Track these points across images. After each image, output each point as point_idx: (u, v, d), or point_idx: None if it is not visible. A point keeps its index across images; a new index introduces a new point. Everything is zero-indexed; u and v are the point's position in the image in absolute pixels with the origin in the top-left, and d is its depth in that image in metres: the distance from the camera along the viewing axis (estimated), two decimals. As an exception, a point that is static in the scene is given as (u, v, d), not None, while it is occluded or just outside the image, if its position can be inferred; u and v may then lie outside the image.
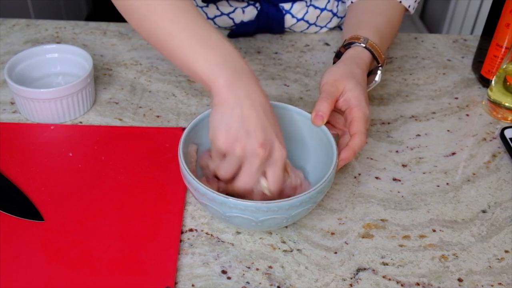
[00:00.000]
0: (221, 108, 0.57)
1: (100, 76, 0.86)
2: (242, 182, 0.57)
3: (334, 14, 0.96)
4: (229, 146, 0.56)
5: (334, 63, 0.74)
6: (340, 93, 0.65)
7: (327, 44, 0.95)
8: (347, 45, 0.72)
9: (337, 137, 0.66)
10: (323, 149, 0.64)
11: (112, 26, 0.98)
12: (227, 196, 0.54)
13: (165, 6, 0.60)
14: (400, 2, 0.79)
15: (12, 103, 0.79)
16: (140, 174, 0.68)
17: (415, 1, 0.81)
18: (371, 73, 0.74)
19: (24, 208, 0.62)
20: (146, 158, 0.70)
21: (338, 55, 0.73)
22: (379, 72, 0.73)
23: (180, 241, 0.61)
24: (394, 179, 0.70)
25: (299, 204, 0.55)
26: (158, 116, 0.78)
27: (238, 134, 0.55)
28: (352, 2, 0.82)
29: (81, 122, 0.76)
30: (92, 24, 0.98)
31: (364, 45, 0.71)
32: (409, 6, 0.80)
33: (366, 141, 0.64)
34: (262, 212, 0.55)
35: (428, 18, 2.45)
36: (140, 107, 0.80)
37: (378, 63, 0.72)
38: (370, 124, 0.72)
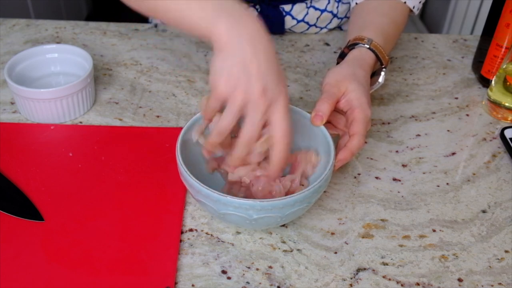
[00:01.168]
0: (223, 54, 0.55)
1: (100, 76, 0.86)
2: (245, 134, 0.56)
3: (334, 15, 0.96)
4: (230, 90, 0.55)
5: (337, 63, 0.74)
6: (342, 94, 0.65)
7: (327, 44, 0.95)
8: (351, 46, 0.72)
9: (337, 137, 0.66)
10: (321, 149, 0.64)
11: (112, 26, 0.98)
12: (221, 193, 0.55)
13: None
14: (405, 3, 0.79)
15: (12, 103, 0.79)
16: (140, 174, 0.68)
17: (419, 2, 0.81)
18: (374, 74, 0.74)
19: (24, 208, 0.62)
20: (146, 158, 0.70)
21: (342, 56, 0.73)
22: (382, 73, 0.73)
23: (180, 241, 0.61)
24: (394, 179, 0.70)
25: (294, 204, 0.55)
26: (158, 116, 0.78)
27: (239, 79, 0.54)
28: (356, 3, 0.82)
29: (81, 122, 0.76)
30: (92, 24, 0.98)
31: (368, 46, 0.70)
32: (413, 7, 0.80)
33: (364, 143, 0.64)
34: (256, 210, 0.55)
35: (428, 18, 2.45)
36: (140, 107, 0.80)
37: (381, 64, 0.72)
38: (371, 124, 0.72)
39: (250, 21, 0.56)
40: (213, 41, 0.56)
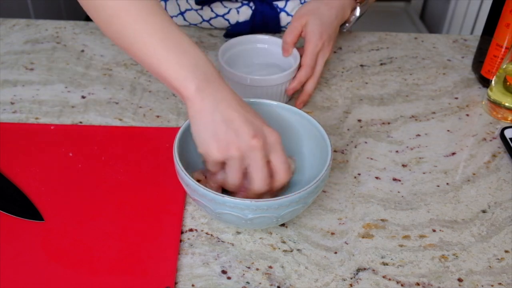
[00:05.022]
0: (200, 118, 0.56)
1: (100, 76, 0.86)
2: (256, 181, 0.57)
3: None
4: (224, 152, 0.55)
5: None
6: (302, 27, 0.77)
7: (327, 44, 0.95)
8: None
9: None
10: (318, 148, 0.64)
11: (112, 26, 0.97)
12: (216, 193, 0.55)
13: (135, 6, 0.58)
14: None
15: (12, 103, 0.79)
16: (140, 174, 0.68)
17: None
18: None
19: (24, 208, 0.62)
20: (146, 158, 0.70)
21: None
22: (358, 7, 0.83)
23: (180, 241, 0.61)
24: (394, 179, 0.70)
25: (289, 204, 0.55)
26: (158, 116, 0.78)
27: (228, 137, 0.55)
28: None
29: (81, 122, 0.76)
30: (92, 24, 0.98)
31: None
32: None
33: (312, 74, 0.77)
34: (251, 210, 0.55)
35: (428, 18, 2.45)
36: (140, 107, 0.80)
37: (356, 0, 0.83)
38: (329, 53, 0.79)
39: (221, 82, 0.58)
40: (186, 101, 0.57)
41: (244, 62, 0.81)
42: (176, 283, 0.56)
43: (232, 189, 0.60)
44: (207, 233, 0.62)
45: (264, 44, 0.82)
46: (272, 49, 0.82)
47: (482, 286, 0.57)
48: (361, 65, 0.91)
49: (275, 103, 0.66)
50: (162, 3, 0.97)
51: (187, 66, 0.56)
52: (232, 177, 0.58)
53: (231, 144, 0.55)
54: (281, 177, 0.58)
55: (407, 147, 0.75)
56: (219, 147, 0.55)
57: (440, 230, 0.63)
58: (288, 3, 0.93)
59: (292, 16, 0.94)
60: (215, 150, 0.56)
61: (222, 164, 0.58)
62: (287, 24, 0.96)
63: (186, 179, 0.57)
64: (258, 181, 0.57)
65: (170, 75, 0.57)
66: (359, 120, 0.79)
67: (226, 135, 0.55)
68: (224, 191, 0.62)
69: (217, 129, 0.55)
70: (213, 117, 0.55)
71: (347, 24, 0.84)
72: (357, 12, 0.83)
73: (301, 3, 0.93)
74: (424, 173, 0.71)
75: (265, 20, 0.94)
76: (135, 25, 0.58)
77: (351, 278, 0.58)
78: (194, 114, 0.56)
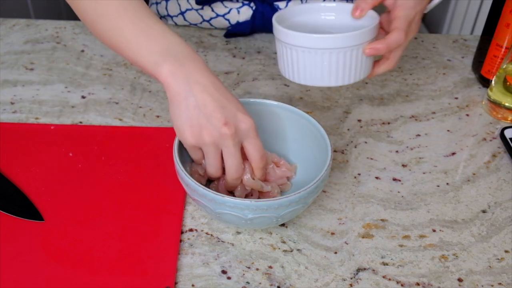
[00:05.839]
0: (176, 102, 0.56)
1: (100, 76, 0.86)
2: (228, 169, 0.57)
3: None
4: (197, 138, 0.56)
5: None
6: None
7: (327, 44, 0.95)
8: None
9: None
10: (318, 148, 0.64)
11: (112, 26, 0.98)
12: (216, 193, 0.55)
13: (116, 5, 0.57)
14: None
15: (12, 103, 0.79)
16: (140, 174, 0.68)
17: None
18: None
19: (24, 208, 0.62)
20: (146, 158, 0.70)
21: None
22: None
23: (180, 241, 0.61)
24: (394, 179, 0.70)
25: (289, 204, 0.55)
26: (158, 116, 0.78)
27: (200, 123, 0.55)
28: None
29: (81, 122, 0.76)
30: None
31: None
32: None
33: (403, 39, 0.61)
34: (251, 210, 0.55)
35: (428, 18, 2.45)
36: (140, 107, 0.80)
37: None
38: (415, 30, 0.66)
39: (196, 62, 0.57)
40: (163, 86, 0.57)
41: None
42: (176, 283, 0.56)
43: (214, 177, 0.60)
44: (207, 233, 0.62)
45: (331, 13, 0.67)
46: (342, 20, 0.66)
47: (482, 286, 0.57)
48: (361, 65, 0.91)
49: (275, 103, 0.66)
50: (164, 3, 0.98)
51: (158, 51, 0.56)
52: (209, 164, 0.58)
53: (204, 130, 0.55)
54: (255, 164, 0.58)
55: (407, 147, 0.75)
56: (192, 132, 0.56)
57: (440, 230, 0.63)
58: (289, 3, 0.93)
59: None
60: (189, 135, 0.56)
61: (199, 150, 0.58)
62: None
63: (186, 179, 0.57)
64: (230, 169, 0.57)
65: (142, 61, 0.57)
66: (359, 120, 0.79)
67: (198, 120, 0.55)
68: (227, 192, 0.62)
69: (190, 114, 0.55)
70: (187, 102, 0.55)
71: (432, 3, 0.70)
72: None
73: (303, 3, 0.93)
74: (424, 173, 0.71)
75: (266, 21, 0.94)
76: (112, 23, 0.57)
77: (351, 278, 0.58)
78: (171, 97, 0.56)
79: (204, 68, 0.57)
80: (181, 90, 0.55)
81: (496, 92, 0.80)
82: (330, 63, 0.60)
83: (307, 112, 0.66)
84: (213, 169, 0.59)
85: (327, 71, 0.61)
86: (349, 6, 0.66)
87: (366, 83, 0.87)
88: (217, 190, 0.61)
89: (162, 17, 1.00)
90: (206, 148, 0.57)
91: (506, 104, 0.79)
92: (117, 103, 0.80)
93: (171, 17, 0.98)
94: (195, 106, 0.55)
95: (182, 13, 0.96)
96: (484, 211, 0.66)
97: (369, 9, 0.63)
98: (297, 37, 0.60)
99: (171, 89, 0.56)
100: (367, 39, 0.60)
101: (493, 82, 0.80)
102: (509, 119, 0.80)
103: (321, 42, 0.59)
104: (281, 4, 0.93)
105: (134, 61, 0.58)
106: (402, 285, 0.57)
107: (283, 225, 0.63)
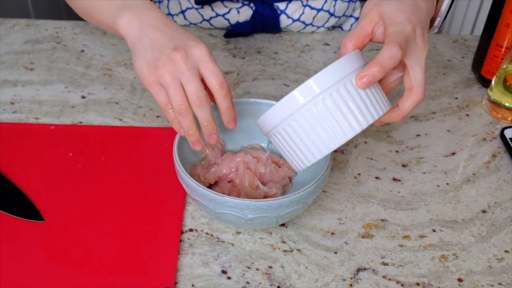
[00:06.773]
0: (134, 49, 0.58)
1: (100, 76, 0.86)
2: (191, 95, 0.55)
3: (331, 14, 0.96)
4: (154, 72, 0.56)
5: None
6: (372, 24, 0.56)
7: (327, 44, 0.95)
8: None
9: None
10: None
11: (112, 26, 0.98)
12: (216, 193, 0.55)
13: None
14: None
15: (12, 103, 0.79)
16: (140, 174, 0.68)
17: None
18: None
19: (24, 208, 0.62)
20: (146, 158, 0.70)
21: None
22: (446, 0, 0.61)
23: (180, 241, 0.61)
24: (394, 179, 0.70)
25: (289, 204, 0.55)
26: (158, 116, 0.78)
27: (154, 57, 0.56)
28: None
29: (81, 122, 0.76)
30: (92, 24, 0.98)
31: None
32: None
33: (398, 52, 0.50)
34: (251, 210, 0.55)
35: (428, 18, 2.45)
36: (140, 107, 0.80)
37: None
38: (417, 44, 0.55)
39: (148, 8, 0.59)
40: (124, 37, 0.59)
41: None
42: (176, 283, 0.56)
43: (187, 125, 0.57)
44: (207, 233, 0.62)
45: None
46: None
47: (482, 286, 0.57)
48: (361, 65, 0.91)
49: (275, 103, 0.66)
50: (165, 1, 0.98)
51: (118, 6, 0.60)
52: (173, 99, 0.56)
53: (157, 62, 0.56)
54: (215, 93, 0.57)
55: (407, 147, 0.75)
56: (148, 68, 0.56)
57: (440, 230, 0.63)
58: (289, 5, 0.93)
59: (292, 18, 0.94)
60: (146, 72, 0.57)
61: (161, 86, 0.57)
62: (287, 25, 0.96)
63: (186, 179, 0.57)
64: (191, 95, 0.56)
65: (105, 19, 0.61)
66: (359, 120, 0.79)
67: (152, 55, 0.56)
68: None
69: (145, 53, 0.57)
70: (143, 43, 0.57)
71: (438, 18, 0.62)
72: (445, 6, 0.61)
73: (303, 6, 0.93)
74: (424, 173, 0.71)
75: (265, 21, 0.94)
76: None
77: (351, 278, 0.58)
78: (130, 46, 0.59)
79: (157, 12, 0.60)
80: (136, 34, 0.58)
81: (496, 92, 0.80)
82: (339, 106, 0.50)
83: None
84: (179, 103, 0.55)
85: (341, 116, 0.51)
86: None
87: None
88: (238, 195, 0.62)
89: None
90: (164, 80, 0.56)
91: (506, 104, 0.79)
92: (117, 103, 0.80)
93: (172, 16, 0.98)
94: (149, 44, 0.57)
95: (182, 12, 0.96)
96: (484, 211, 0.66)
97: (353, 49, 0.55)
98: (289, 102, 0.51)
99: (129, 37, 0.59)
100: (355, 67, 0.51)
101: (493, 82, 0.80)
102: (509, 119, 0.80)
103: (316, 85, 0.50)
104: (281, 6, 0.93)
105: (100, 21, 0.62)
106: (402, 285, 0.57)
107: (283, 225, 0.63)
